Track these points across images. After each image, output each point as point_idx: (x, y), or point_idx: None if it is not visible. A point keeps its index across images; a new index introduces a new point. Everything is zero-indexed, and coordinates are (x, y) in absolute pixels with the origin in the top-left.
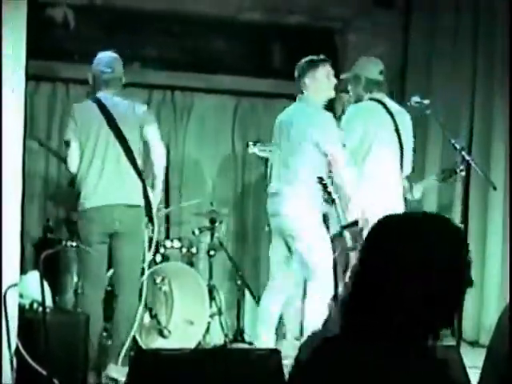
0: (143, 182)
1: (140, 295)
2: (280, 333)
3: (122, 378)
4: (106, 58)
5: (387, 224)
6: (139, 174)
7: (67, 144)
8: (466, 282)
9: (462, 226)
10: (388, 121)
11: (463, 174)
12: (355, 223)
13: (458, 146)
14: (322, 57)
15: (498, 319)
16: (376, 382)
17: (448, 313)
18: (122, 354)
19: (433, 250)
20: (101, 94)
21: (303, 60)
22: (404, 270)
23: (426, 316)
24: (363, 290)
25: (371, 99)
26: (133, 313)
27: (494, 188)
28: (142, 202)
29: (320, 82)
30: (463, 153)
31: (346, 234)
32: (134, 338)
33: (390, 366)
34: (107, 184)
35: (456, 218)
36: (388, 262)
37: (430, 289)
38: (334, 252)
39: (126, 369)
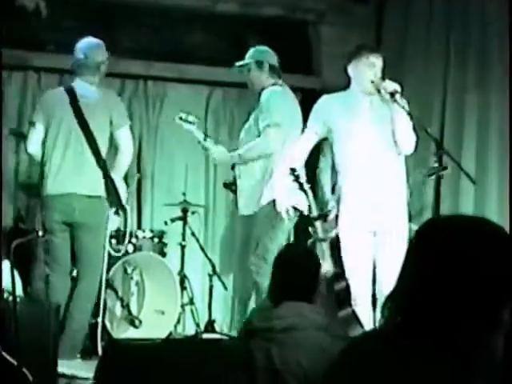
0: (106, 173)
1: (99, 288)
2: None
3: (77, 373)
4: (82, 44)
5: (442, 225)
6: (103, 165)
7: (31, 124)
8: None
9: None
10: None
11: (436, 165)
12: (326, 214)
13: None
14: None
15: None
16: None
17: (495, 319)
18: (79, 347)
19: (489, 255)
20: (76, 82)
21: None
22: (459, 273)
23: (476, 323)
24: (413, 293)
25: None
26: (88, 306)
27: (473, 182)
28: (103, 193)
29: None
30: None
31: (318, 224)
32: (105, 328)
33: (429, 373)
34: (68, 173)
35: (428, 211)
36: (443, 265)
37: (483, 295)
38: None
39: (82, 362)
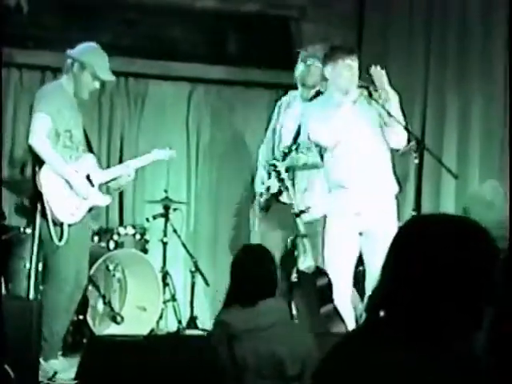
0: None
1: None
2: None
3: (59, 369)
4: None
5: (425, 224)
6: None
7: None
8: (496, 286)
9: (414, 213)
10: None
11: (417, 161)
12: (307, 210)
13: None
14: None
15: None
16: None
17: (478, 316)
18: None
19: (471, 253)
20: None
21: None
22: (441, 271)
23: (458, 318)
24: (394, 288)
25: None
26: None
27: (455, 177)
28: None
29: None
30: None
31: (299, 220)
32: (87, 324)
33: (415, 366)
34: None
35: (409, 206)
36: (426, 263)
37: (465, 292)
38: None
39: (65, 359)
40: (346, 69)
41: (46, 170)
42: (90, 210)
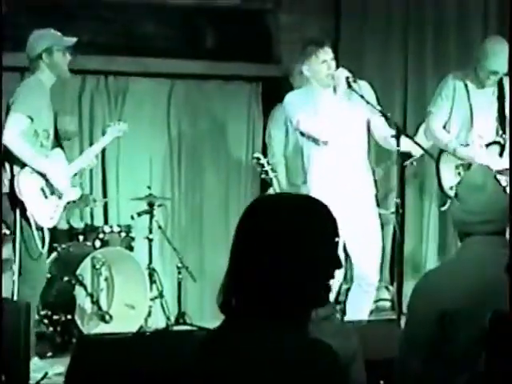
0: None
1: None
2: None
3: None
4: None
5: (255, 203)
6: None
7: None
8: (332, 260)
9: (398, 200)
10: None
11: (398, 148)
12: None
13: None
14: None
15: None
16: (250, 361)
17: (315, 290)
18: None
19: (296, 225)
20: None
21: None
22: (267, 245)
23: (293, 293)
24: (235, 271)
25: None
26: None
27: (433, 159)
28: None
29: None
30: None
31: None
32: (76, 323)
33: (264, 346)
34: None
35: (392, 194)
36: (251, 239)
37: (294, 265)
38: None
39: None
40: (322, 64)
41: (23, 174)
42: (65, 208)
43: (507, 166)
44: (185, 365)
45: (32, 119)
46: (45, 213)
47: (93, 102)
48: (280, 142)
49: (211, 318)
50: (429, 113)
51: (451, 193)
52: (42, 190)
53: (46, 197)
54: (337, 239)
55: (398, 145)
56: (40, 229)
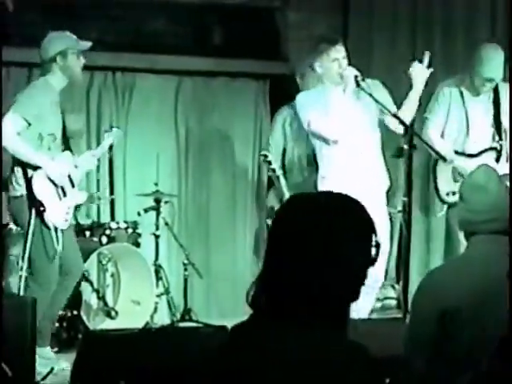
0: None
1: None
2: None
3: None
4: None
5: (292, 201)
6: None
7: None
8: (369, 259)
9: (405, 199)
10: None
11: (406, 147)
12: None
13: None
14: None
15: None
16: (278, 364)
17: (353, 290)
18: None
19: (336, 225)
20: None
21: None
22: (306, 245)
23: (332, 293)
24: (271, 268)
25: None
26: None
27: (445, 160)
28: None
29: None
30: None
31: None
32: (82, 319)
33: (303, 346)
34: None
35: (400, 192)
36: (289, 238)
37: (332, 265)
38: None
39: (61, 354)
40: (333, 62)
41: (38, 176)
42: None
43: (504, 172)
44: (193, 361)
45: (29, 123)
46: (60, 214)
47: (100, 99)
48: (278, 154)
49: (217, 315)
50: (425, 119)
51: (448, 199)
52: (57, 191)
53: (60, 198)
54: (374, 237)
55: (407, 143)
56: (56, 229)
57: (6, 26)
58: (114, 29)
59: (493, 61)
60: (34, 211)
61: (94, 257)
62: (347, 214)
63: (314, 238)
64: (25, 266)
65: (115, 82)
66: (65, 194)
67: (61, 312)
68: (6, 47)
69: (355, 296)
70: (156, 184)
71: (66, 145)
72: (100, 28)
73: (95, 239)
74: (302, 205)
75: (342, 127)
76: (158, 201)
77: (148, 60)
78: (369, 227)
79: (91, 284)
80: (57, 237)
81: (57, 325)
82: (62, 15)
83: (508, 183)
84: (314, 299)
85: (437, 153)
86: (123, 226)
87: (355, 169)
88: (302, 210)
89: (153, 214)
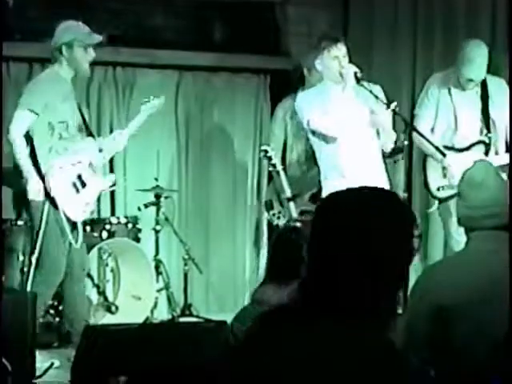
0: None
1: None
2: None
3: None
4: None
5: (335, 198)
6: None
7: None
8: (411, 256)
9: (405, 195)
10: None
11: (406, 143)
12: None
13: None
14: None
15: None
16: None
17: (397, 288)
18: None
19: (381, 222)
20: None
21: None
22: (352, 243)
23: (371, 291)
24: (315, 266)
25: None
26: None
27: (444, 155)
28: None
29: None
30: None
31: (291, 205)
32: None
33: (344, 344)
34: None
35: (399, 189)
36: (336, 236)
37: (376, 263)
38: None
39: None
40: (334, 60)
41: (53, 171)
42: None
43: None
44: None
45: (36, 113)
46: (77, 207)
47: (100, 93)
48: (278, 148)
49: (217, 310)
50: (415, 115)
51: (438, 194)
52: (74, 184)
53: (77, 191)
54: (415, 234)
55: (407, 139)
56: (72, 223)
57: (6, 21)
58: (114, 23)
59: (474, 62)
60: (46, 206)
61: (94, 252)
62: (395, 210)
63: (366, 235)
64: (34, 261)
65: (115, 77)
66: (84, 185)
67: (62, 307)
68: (6, 42)
69: (398, 293)
70: (156, 179)
71: (88, 131)
72: (100, 22)
73: (95, 234)
74: (350, 202)
75: (342, 125)
76: (158, 196)
77: (149, 55)
78: (412, 224)
79: (91, 279)
80: (73, 231)
81: (57, 319)
82: (62, 10)
83: (505, 176)
84: (364, 297)
85: (436, 148)
86: (123, 221)
87: (355, 167)
88: (351, 207)
89: (153, 209)
